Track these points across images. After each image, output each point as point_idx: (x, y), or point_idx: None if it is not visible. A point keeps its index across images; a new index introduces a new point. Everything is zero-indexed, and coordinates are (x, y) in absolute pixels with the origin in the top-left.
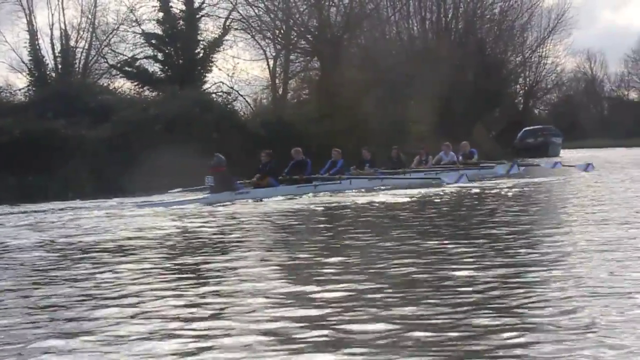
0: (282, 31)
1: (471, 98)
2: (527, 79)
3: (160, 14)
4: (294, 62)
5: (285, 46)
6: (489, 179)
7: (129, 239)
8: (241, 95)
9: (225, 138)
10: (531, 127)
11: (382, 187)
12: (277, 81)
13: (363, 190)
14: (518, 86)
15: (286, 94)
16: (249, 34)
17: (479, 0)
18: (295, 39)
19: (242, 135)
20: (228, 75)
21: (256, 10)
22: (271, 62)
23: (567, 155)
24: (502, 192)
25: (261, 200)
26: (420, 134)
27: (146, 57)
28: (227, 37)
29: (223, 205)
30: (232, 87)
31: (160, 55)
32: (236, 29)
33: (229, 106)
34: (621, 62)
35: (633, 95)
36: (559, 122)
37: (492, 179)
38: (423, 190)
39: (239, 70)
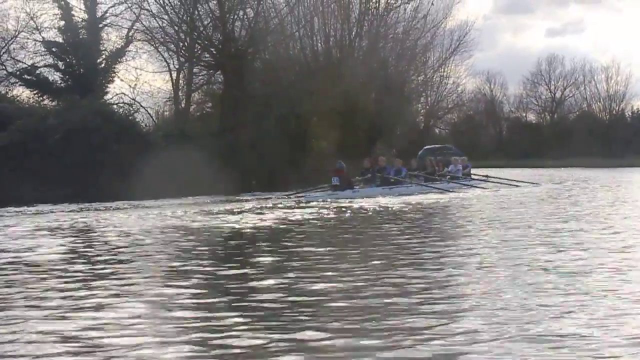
0: (185, 44)
1: (374, 116)
2: (429, 98)
3: (62, 22)
4: (197, 75)
5: (189, 59)
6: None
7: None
8: (143, 107)
9: (126, 149)
10: (431, 146)
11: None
12: (180, 94)
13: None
14: (420, 105)
15: (189, 107)
16: (152, 45)
17: (383, 19)
18: (199, 52)
19: (143, 147)
20: (130, 86)
21: (160, 22)
22: (174, 75)
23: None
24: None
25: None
26: (322, 150)
27: (46, 66)
28: (130, 48)
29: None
30: (134, 99)
31: (61, 64)
32: (139, 40)
33: (130, 117)
34: (520, 84)
35: (531, 116)
36: (459, 142)
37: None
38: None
39: (142, 82)
